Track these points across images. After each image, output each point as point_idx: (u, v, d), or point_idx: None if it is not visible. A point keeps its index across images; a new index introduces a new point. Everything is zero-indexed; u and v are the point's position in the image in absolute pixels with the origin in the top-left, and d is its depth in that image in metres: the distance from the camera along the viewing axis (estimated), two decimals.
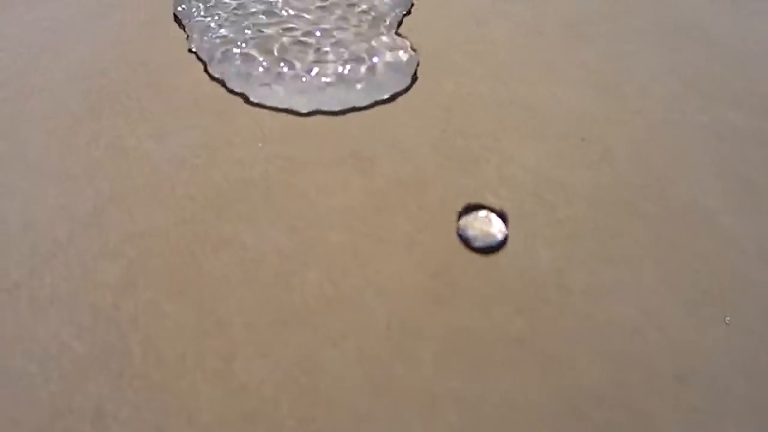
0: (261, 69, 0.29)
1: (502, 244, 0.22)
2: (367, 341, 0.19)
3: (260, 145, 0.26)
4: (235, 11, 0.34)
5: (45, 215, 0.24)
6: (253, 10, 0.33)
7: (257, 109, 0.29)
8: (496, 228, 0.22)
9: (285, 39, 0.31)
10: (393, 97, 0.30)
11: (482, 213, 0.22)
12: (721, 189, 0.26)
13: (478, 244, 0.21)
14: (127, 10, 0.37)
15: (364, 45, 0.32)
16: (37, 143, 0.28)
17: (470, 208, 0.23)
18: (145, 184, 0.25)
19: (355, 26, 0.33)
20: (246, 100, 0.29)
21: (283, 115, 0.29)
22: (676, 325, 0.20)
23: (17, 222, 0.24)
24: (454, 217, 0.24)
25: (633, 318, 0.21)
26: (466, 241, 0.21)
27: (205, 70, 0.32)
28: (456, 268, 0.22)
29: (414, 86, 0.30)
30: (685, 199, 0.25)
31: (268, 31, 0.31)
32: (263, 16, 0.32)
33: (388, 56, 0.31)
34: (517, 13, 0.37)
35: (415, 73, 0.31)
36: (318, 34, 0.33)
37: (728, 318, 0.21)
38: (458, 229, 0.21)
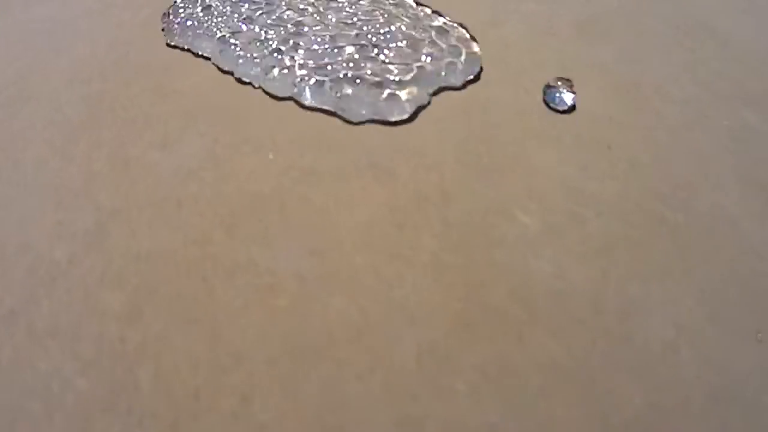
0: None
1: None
2: (396, 374, 0.18)
3: (271, 156, 0.25)
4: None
5: (43, 233, 0.23)
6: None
7: (267, 115, 0.28)
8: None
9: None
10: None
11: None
12: (743, 194, 0.25)
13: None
14: (127, 9, 0.36)
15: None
16: (34, 154, 0.26)
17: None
18: (150, 199, 0.23)
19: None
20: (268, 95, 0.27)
21: (295, 122, 0.27)
22: (708, 341, 0.20)
23: (13, 240, 0.22)
24: (481, 233, 0.22)
25: (666, 336, 0.20)
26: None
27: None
28: (486, 291, 0.20)
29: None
30: (708, 206, 0.24)
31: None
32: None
33: None
34: (530, 13, 0.36)
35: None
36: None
37: (760, 334, 0.20)
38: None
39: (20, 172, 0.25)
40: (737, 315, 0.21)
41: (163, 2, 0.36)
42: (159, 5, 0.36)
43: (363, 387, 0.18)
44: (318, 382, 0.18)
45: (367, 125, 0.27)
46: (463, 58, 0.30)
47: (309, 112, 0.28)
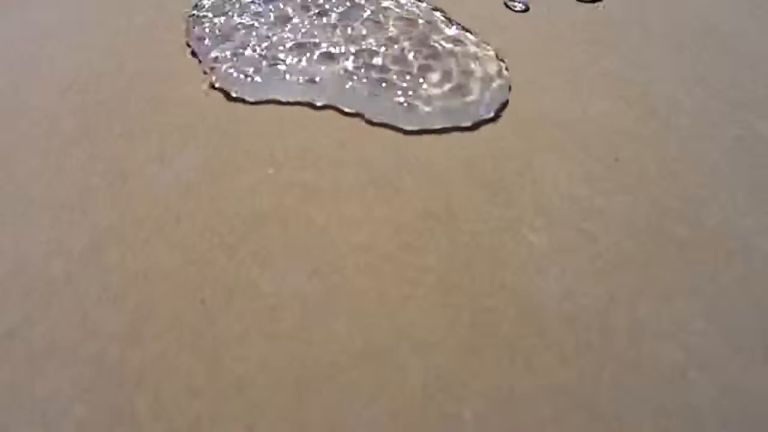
0: None
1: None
2: (402, 402, 0.17)
3: (271, 171, 0.24)
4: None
5: (38, 250, 0.22)
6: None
7: (267, 129, 0.27)
8: None
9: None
10: None
11: None
12: (754, 207, 0.24)
13: None
14: (123, 15, 0.35)
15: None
16: (28, 168, 0.25)
17: None
18: (147, 215, 0.23)
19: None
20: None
21: (295, 136, 0.27)
22: (720, 363, 0.19)
23: (8, 258, 0.22)
24: (488, 254, 0.22)
25: (676, 359, 0.19)
26: None
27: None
28: (494, 315, 0.20)
29: None
30: (719, 220, 0.24)
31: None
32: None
33: None
34: (534, 18, 0.35)
35: None
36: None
37: None
38: None
39: (13, 186, 0.24)
40: (750, 334, 0.20)
41: (156, 9, 0.36)
42: (152, 13, 0.35)
43: (369, 415, 0.17)
44: (322, 410, 0.17)
45: (370, 140, 0.27)
46: (495, 84, 0.29)
47: (310, 126, 0.27)
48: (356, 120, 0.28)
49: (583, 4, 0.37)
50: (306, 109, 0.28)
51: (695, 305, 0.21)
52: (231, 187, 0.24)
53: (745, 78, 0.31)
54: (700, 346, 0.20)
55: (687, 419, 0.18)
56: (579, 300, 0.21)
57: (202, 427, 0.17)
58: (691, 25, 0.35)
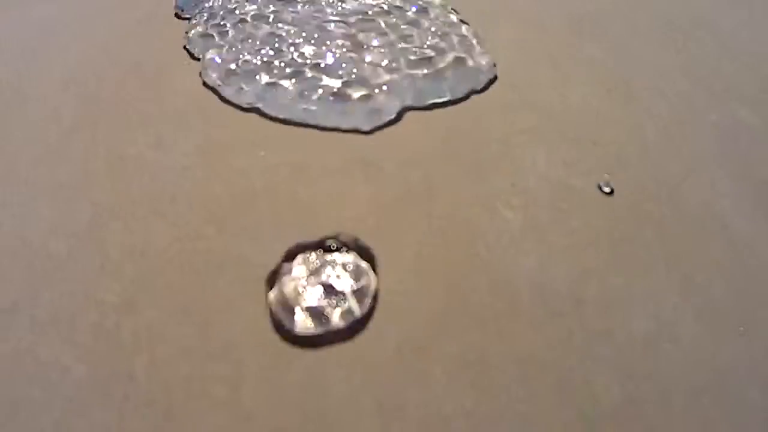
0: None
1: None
2: (376, 362, 0.19)
3: (262, 153, 0.25)
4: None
5: (41, 230, 0.23)
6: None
7: (256, 115, 0.28)
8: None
9: None
10: None
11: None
12: (734, 191, 0.25)
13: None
14: (122, 9, 0.36)
15: None
16: (30, 155, 0.27)
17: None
18: (144, 196, 0.24)
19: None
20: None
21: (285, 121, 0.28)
22: (689, 336, 0.20)
23: (12, 237, 0.23)
24: (464, 228, 0.23)
25: (647, 330, 0.20)
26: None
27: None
28: (468, 283, 0.21)
29: None
30: (697, 202, 0.24)
31: None
32: None
33: None
34: (522, 9, 0.36)
35: None
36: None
37: (742, 328, 0.20)
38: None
39: (17, 171, 0.26)
40: (721, 309, 0.21)
41: (155, 3, 0.37)
42: (151, 7, 0.37)
43: (344, 374, 0.19)
44: (302, 371, 0.19)
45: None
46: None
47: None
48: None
49: None
50: None
51: (669, 281, 0.21)
52: (223, 169, 0.25)
53: (728, 68, 0.32)
54: (671, 318, 0.20)
55: (656, 387, 0.19)
56: (550, 271, 0.22)
57: (193, 386, 0.18)
58: (679, 17, 0.36)
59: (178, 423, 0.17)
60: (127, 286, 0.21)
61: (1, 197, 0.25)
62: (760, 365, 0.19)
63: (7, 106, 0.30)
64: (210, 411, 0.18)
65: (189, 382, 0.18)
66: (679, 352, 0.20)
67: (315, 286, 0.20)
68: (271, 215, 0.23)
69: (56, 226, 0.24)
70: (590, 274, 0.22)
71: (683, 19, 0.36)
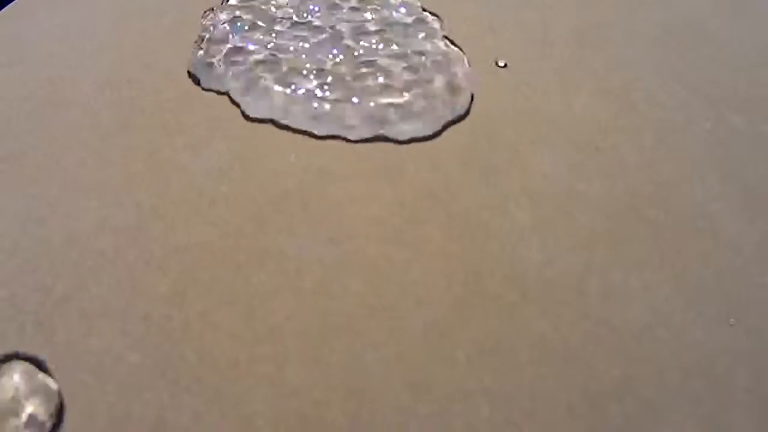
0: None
1: None
2: (406, 346, 0.21)
3: (293, 158, 0.28)
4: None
5: (88, 227, 0.25)
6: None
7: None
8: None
9: None
10: None
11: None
12: (724, 194, 0.27)
13: None
14: (150, 16, 0.37)
15: None
16: (72, 157, 0.28)
17: None
18: (185, 197, 0.26)
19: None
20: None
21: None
22: (682, 324, 0.22)
23: (62, 234, 0.25)
24: (480, 226, 0.25)
25: (644, 318, 0.22)
26: None
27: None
28: (483, 276, 0.23)
29: None
30: (689, 204, 0.27)
31: None
32: None
33: None
34: (528, 22, 0.38)
35: None
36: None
37: (732, 320, 0.23)
38: None
39: (62, 172, 0.27)
40: (712, 303, 0.23)
41: (183, 9, 0.38)
42: (178, 13, 0.38)
43: (379, 356, 0.21)
44: (341, 352, 0.21)
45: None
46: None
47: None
48: None
49: (572, 10, 0.39)
50: None
51: (663, 275, 0.24)
52: (257, 171, 0.27)
53: (724, 76, 0.34)
54: (665, 309, 0.23)
55: (652, 368, 0.21)
56: (557, 266, 0.24)
57: (241, 366, 0.21)
58: (676, 27, 0.38)
59: (227, 399, 0.20)
60: (174, 280, 0.23)
61: (49, 197, 0.27)
62: (746, 350, 0.21)
63: (44, 110, 0.31)
64: (257, 387, 0.20)
65: (237, 362, 0.21)
66: (672, 337, 0.22)
67: None
68: (304, 213, 0.25)
69: (102, 225, 0.25)
70: (593, 269, 0.24)
71: (679, 28, 0.38)
